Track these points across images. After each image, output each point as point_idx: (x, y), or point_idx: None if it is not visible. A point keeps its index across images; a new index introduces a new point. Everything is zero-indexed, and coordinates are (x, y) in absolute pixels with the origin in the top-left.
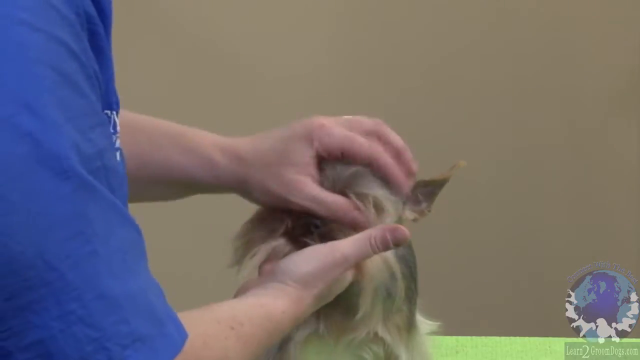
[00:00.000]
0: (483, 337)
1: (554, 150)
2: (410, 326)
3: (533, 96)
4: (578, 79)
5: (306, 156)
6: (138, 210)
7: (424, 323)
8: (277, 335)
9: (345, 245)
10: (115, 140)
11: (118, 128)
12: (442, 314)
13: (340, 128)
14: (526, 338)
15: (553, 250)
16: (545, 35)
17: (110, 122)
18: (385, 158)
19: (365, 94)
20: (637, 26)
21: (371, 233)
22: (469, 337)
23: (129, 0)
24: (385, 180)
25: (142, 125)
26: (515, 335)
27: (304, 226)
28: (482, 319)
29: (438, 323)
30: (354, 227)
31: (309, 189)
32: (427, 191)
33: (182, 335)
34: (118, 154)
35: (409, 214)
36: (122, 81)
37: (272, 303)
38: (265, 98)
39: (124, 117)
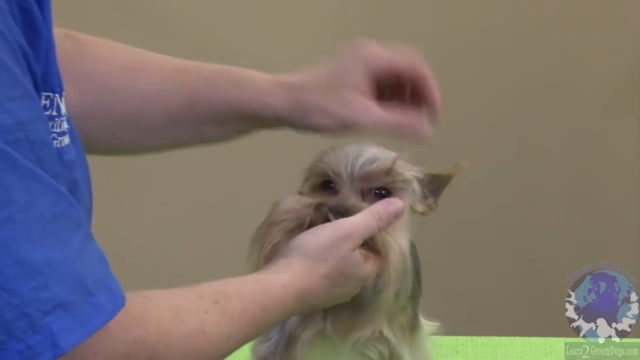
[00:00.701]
0: (483, 337)
1: (554, 151)
2: (413, 326)
3: (532, 96)
4: (577, 79)
5: (363, 77)
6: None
7: (424, 323)
8: (279, 311)
9: (352, 220)
10: (61, 123)
11: (63, 111)
12: (441, 314)
13: (385, 49)
14: (526, 338)
15: (553, 250)
16: (545, 35)
17: (53, 104)
18: (428, 74)
19: None
20: (637, 26)
21: (374, 208)
22: (468, 337)
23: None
24: (424, 96)
25: (191, 67)
26: (515, 335)
27: (324, 217)
28: (482, 319)
29: (437, 323)
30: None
31: (373, 108)
32: (432, 187)
33: (116, 306)
34: (67, 137)
35: (419, 206)
36: None
37: (271, 277)
38: None
39: (170, 63)
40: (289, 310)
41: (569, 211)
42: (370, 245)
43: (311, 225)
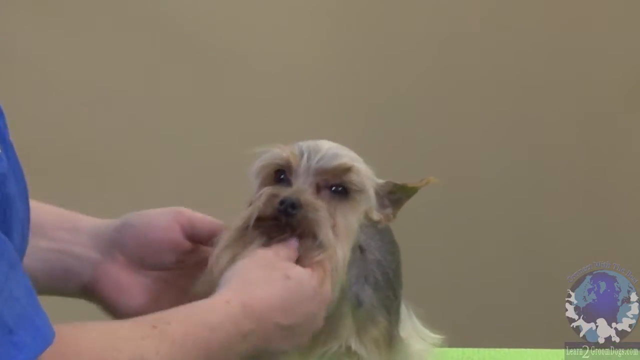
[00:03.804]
0: (490, 349)
1: (553, 150)
2: (391, 340)
3: (541, 94)
4: (588, 76)
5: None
6: None
7: (427, 335)
8: (230, 329)
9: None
10: None
11: None
12: (447, 325)
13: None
14: (536, 350)
15: (567, 261)
16: (555, 31)
17: None
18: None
19: (363, 86)
20: None
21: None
22: (475, 349)
23: None
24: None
25: None
26: (525, 346)
27: (274, 210)
28: (489, 329)
29: (442, 336)
30: None
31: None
32: (394, 197)
33: (41, 342)
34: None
35: (375, 214)
36: (113, 73)
37: (212, 298)
38: (256, 91)
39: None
40: (243, 328)
41: (578, 214)
42: (307, 258)
43: (260, 219)
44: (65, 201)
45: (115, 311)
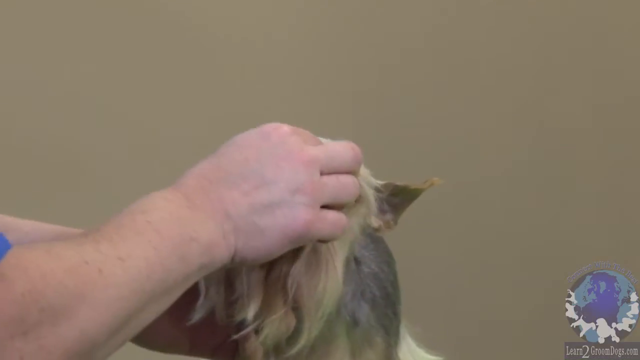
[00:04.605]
0: None
1: (553, 150)
2: None
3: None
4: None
5: None
6: None
7: (423, 358)
8: (165, 206)
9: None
10: None
11: None
12: (445, 344)
13: None
14: None
15: (567, 261)
16: (573, 19)
17: None
18: None
19: (357, 74)
20: None
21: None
22: None
23: None
24: None
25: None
26: (524, 347)
27: None
28: (493, 349)
29: (441, 358)
30: None
31: None
32: (395, 202)
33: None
34: None
35: (373, 221)
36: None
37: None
38: (236, 83)
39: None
40: (179, 203)
41: (579, 213)
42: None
43: None
44: (39, 202)
45: None
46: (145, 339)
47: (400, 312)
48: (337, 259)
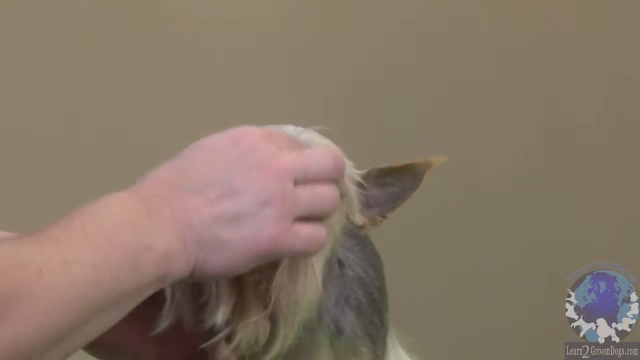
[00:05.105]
0: None
1: (552, 149)
2: None
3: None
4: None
5: None
6: None
7: None
8: (119, 211)
9: None
10: None
11: None
12: (437, 354)
13: None
14: None
15: (567, 261)
16: (579, 12)
17: None
18: None
19: (337, 54)
20: None
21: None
22: None
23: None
24: None
25: None
26: (524, 347)
27: None
28: (490, 349)
29: None
30: None
31: None
32: (383, 195)
33: None
34: None
35: (357, 218)
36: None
37: None
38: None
39: None
40: (136, 208)
41: (579, 213)
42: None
43: None
44: None
45: None
46: (109, 352)
47: (388, 320)
48: (316, 260)
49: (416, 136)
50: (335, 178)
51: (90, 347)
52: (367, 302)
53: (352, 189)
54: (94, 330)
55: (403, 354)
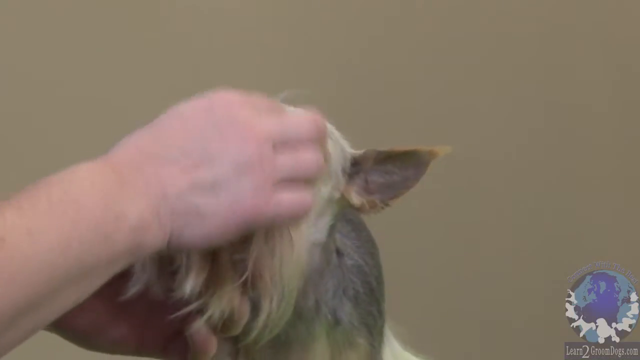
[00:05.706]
0: None
1: (552, 148)
2: None
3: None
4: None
5: None
6: None
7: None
8: (85, 177)
9: None
10: None
11: None
12: (434, 345)
13: None
14: None
15: (567, 261)
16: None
17: None
18: None
19: (337, 30)
20: None
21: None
22: None
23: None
24: None
25: None
26: (524, 347)
27: None
28: (490, 349)
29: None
30: None
31: None
32: (383, 181)
33: None
34: None
35: (353, 197)
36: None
37: None
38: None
39: None
40: (107, 176)
41: (578, 213)
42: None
43: None
44: None
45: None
46: (85, 337)
47: (384, 310)
48: (299, 227)
49: (416, 133)
50: (317, 140)
51: (65, 329)
52: (365, 291)
53: (336, 166)
54: (63, 304)
55: (397, 345)
